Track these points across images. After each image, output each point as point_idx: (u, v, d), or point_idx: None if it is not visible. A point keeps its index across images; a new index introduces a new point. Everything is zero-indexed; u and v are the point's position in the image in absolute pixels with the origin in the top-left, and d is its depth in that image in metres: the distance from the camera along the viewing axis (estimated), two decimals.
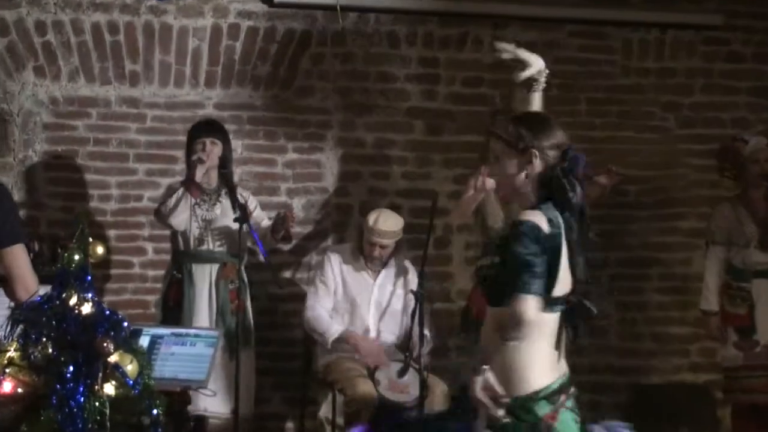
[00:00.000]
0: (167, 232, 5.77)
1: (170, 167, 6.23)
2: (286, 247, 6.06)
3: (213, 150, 5.49)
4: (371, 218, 5.59)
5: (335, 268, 5.66)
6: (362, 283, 5.68)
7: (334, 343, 5.56)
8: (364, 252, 5.65)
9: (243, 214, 5.33)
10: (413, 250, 5.99)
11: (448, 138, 6.57)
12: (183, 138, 5.83)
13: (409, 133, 6.56)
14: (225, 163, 5.57)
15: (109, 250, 5.85)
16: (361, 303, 5.65)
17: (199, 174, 5.45)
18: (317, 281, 5.67)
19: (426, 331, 5.44)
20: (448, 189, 6.36)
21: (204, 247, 5.53)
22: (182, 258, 5.53)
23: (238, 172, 6.15)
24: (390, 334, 5.70)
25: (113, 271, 6.20)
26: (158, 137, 6.29)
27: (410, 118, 6.55)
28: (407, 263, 5.74)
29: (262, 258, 5.58)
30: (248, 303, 5.57)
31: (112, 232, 6.22)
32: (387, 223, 5.57)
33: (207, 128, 5.59)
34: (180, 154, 5.95)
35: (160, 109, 6.27)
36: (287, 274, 6.38)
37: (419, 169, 6.54)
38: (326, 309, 5.60)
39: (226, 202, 5.53)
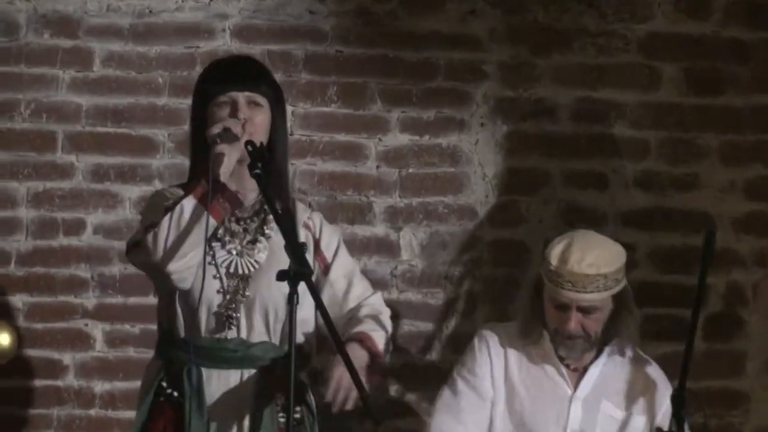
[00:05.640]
0: (147, 299, 4.47)
1: (144, 162, 4.80)
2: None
3: (254, 118, 3.71)
4: (555, 251, 4.12)
5: (496, 361, 4.30)
6: (549, 392, 4.27)
7: None
8: (548, 327, 4.20)
9: (299, 258, 3.41)
10: (666, 341, 4.63)
11: (731, 101, 5.03)
12: (172, 100, 4.68)
13: (651, 89, 5.03)
14: (270, 151, 3.78)
15: (19, 337, 4.55)
16: None
17: (227, 166, 3.64)
18: (458, 381, 4.30)
19: None
20: (735, 211, 4.93)
21: (230, 334, 3.75)
22: (180, 355, 3.78)
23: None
24: None
25: (27, 382, 4.75)
26: (119, 98, 4.79)
27: (651, 59, 5.06)
28: (645, 356, 4.24)
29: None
30: None
31: (21, 300, 4.74)
32: (589, 257, 4.07)
33: (240, 72, 3.86)
34: (163, 133, 4.69)
35: (121, 40, 4.81)
36: (392, 391, 4.94)
37: (673, 166, 5.00)
38: (468, 428, 4.34)
39: (277, 234, 3.75)
